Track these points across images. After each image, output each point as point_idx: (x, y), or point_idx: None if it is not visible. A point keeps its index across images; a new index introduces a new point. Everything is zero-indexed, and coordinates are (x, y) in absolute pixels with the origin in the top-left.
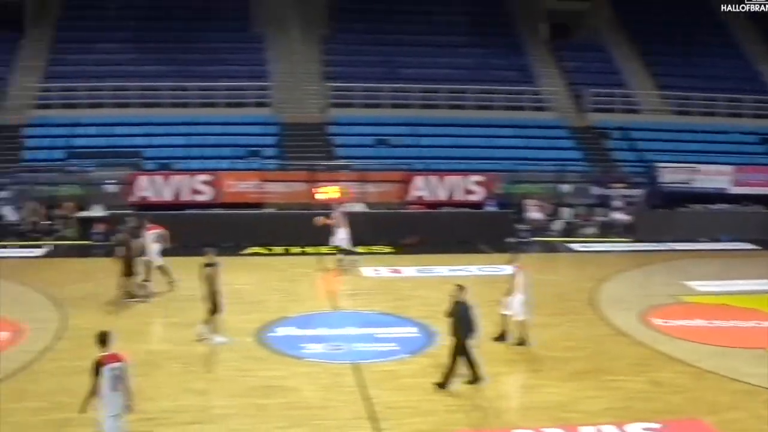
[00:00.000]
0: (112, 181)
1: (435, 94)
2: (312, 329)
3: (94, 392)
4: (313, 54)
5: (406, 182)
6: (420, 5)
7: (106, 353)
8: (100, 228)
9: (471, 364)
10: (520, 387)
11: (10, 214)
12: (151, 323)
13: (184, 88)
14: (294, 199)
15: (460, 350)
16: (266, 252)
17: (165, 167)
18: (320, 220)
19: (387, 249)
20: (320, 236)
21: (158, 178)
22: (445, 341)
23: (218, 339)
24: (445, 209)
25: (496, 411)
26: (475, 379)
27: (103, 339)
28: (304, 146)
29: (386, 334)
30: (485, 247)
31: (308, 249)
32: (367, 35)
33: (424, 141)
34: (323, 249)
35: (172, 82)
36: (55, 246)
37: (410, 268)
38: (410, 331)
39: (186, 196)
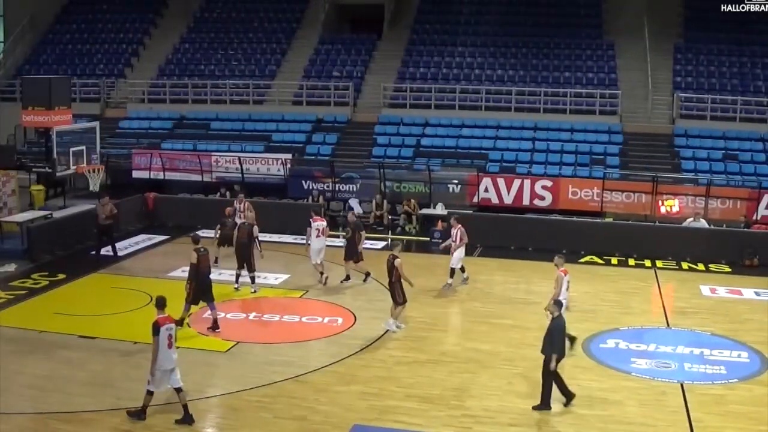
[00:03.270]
0: (456, 181)
1: None
2: (642, 344)
3: (154, 350)
4: (664, 63)
5: (753, 200)
6: None
7: (162, 315)
8: (439, 226)
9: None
10: None
11: (357, 207)
12: (482, 322)
13: (533, 93)
14: (635, 209)
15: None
16: (602, 262)
17: (508, 170)
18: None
19: (726, 268)
20: (658, 249)
21: (500, 181)
22: None
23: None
24: None
25: None
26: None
27: (160, 302)
28: (649, 157)
29: (716, 356)
30: None
31: (646, 262)
32: (721, 45)
33: None
34: (659, 263)
35: (522, 87)
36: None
37: (750, 290)
38: (741, 356)
39: (526, 200)
